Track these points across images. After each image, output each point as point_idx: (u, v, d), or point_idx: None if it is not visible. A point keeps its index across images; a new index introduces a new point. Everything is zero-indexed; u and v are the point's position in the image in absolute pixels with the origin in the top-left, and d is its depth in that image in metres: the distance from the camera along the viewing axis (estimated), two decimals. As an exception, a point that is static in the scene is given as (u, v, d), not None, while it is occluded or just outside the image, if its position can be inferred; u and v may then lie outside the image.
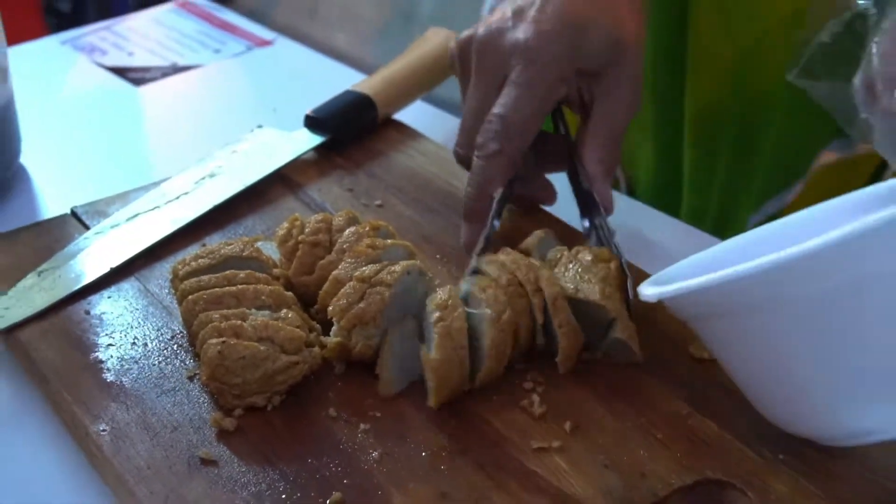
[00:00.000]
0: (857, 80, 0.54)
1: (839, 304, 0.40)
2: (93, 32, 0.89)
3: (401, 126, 0.72)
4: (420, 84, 0.73)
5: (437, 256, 0.58)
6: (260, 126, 0.68)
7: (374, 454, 0.46)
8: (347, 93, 0.70)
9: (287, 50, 0.87)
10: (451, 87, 0.74)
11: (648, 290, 0.45)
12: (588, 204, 0.58)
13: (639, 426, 0.47)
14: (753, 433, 0.45)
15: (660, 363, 0.51)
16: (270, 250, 0.55)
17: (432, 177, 0.66)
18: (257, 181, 0.63)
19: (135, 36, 0.89)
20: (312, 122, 0.68)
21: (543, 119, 0.57)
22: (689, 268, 0.50)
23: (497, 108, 0.56)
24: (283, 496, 0.44)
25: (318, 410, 0.48)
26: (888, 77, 0.52)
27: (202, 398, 0.49)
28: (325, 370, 0.50)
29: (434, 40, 0.75)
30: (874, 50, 0.54)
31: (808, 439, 0.44)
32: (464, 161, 0.60)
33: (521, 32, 0.57)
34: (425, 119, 0.74)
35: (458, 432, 0.47)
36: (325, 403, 0.48)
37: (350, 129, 0.69)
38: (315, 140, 0.67)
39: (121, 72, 0.83)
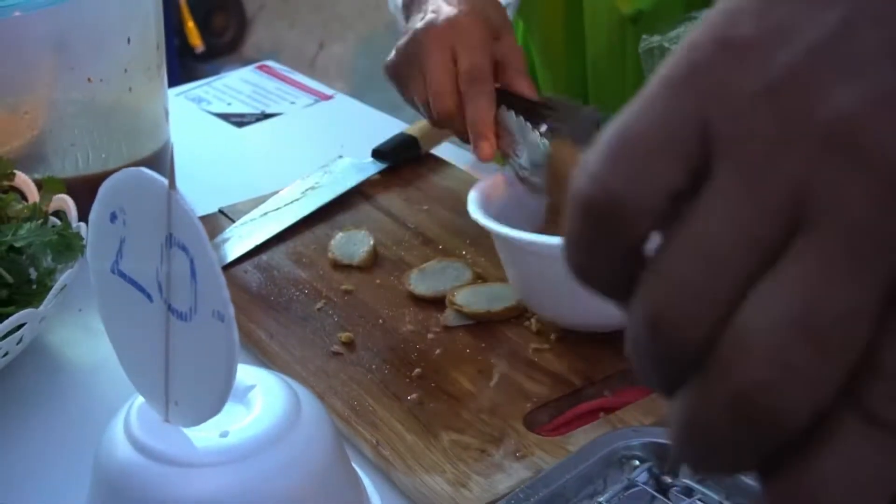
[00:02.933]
0: None
1: None
2: (198, 87, 1.20)
3: (436, 157, 1.02)
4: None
5: (467, 241, 0.89)
6: (341, 156, 0.99)
7: (438, 351, 0.75)
8: (400, 134, 1.00)
9: (344, 102, 1.18)
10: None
11: (473, 208, 0.74)
12: (532, 113, 0.78)
13: (597, 338, 0.77)
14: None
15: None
16: (362, 237, 0.85)
17: (458, 191, 0.96)
18: (344, 192, 0.94)
19: (229, 90, 1.20)
20: (377, 154, 0.99)
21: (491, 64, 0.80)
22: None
23: (464, 66, 0.79)
24: (386, 371, 0.73)
25: (402, 326, 0.78)
26: None
27: (328, 320, 0.79)
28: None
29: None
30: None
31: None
32: (448, 115, 0.80)
33: (448, 21, 0.80)
34: (451, 153, 1.04)
35: (488, 341, 0.76)
36: (407, 326, 0.78)
37: (403, 159, 0.99)
38: (380, 166, 0.98)
39: (225, 117, 1.14)
